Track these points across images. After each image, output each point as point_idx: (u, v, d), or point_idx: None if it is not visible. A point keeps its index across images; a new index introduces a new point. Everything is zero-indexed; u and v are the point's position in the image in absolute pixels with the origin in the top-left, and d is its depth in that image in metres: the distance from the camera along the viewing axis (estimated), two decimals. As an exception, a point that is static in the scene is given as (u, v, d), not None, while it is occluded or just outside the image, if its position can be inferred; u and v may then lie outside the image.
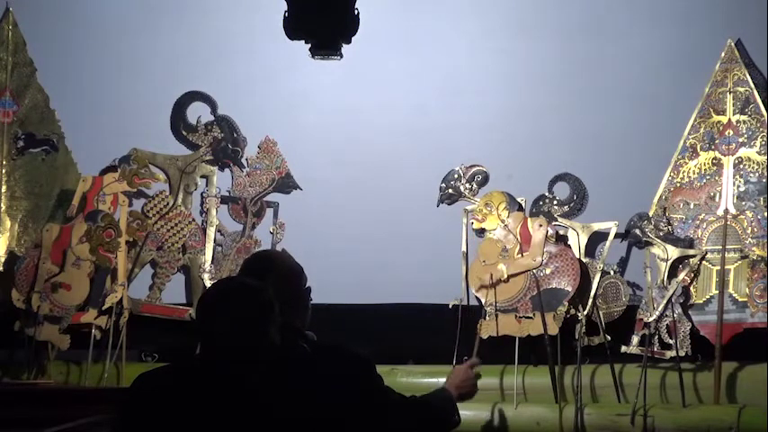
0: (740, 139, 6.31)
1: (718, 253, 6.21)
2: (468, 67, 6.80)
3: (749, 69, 6.36)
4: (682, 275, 6.18)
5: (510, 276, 6.28)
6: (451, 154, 6.60)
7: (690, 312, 6.18)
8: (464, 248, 6.45)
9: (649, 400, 5.87)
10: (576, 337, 6.12)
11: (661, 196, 6.39)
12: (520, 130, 6.70)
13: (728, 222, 6.23)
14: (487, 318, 6.28)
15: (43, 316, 6.49)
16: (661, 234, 6.24)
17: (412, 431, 3.29)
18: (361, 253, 6.67)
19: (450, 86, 6.79)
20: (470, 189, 6.53)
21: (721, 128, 6.35)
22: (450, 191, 6.56)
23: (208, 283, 6.59)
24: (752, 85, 6.32)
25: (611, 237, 6.33)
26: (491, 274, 6.28)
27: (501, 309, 6.29)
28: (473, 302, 6.38)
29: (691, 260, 6.21)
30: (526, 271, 6.27)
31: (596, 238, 6.40)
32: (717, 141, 6.34)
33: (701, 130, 6.39)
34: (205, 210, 6.86)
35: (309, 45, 5.48)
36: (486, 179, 6.55)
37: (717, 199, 6.30)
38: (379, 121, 6.80)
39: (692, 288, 6.21)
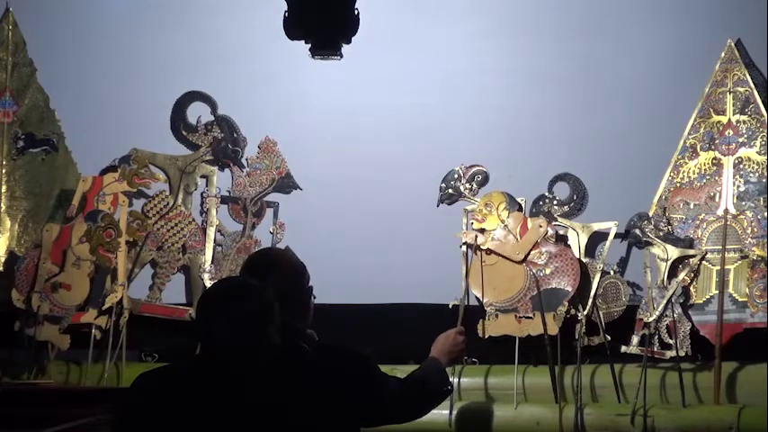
0: (740, 139, 6.30)
1: (718, 253, 6.21)
2: (468, 67, 6.80)
3: (749, 69, 6.35)
4: (682, 275, 6.18)
5: (490, 251, 6.29)
6: (451, 154, 6.60)
7: (690, 312, 6.18)
8: (464, 248, 6.45)
9: (649, 400, 5.87)
10: (576, 337, 6.12)
11: (661, 196, 6.39)
12: (520, 130, 6.70)
13: (728, 222, 6.23)
14: (487, 317, 6.29)
15: (43, 316, 6.49)
16: (661, 234, 6.23)
17: (411, 411, 3.35)
18: (361, 253, 6.67)
19: (450, 86, 6.79)
20: (470, 189, 6.53)
21: (721, 128, 6.34)
22: (451, 191, 6.56)
23: (208, 283, 6.59)
24: (752, 85, 6.32)
25: (611, 237, 6.32)
26: (476, 236, 6.31)
27: (501, 309, 6.30)
28: (473, 302, 6.38)
29: (691, 260, 6.21)
30: (506, 258, 6.28)
31: (596, 238, 6.40)
32: (717, 141, 6.34)
33: (701, 130, 6.38)
34: (205, 210, 6.85)
35: (309, 45, 5.47)
36: (486, 179, 6.55)
37: (717, 199, 6.29)
38: (379, 120, 6.79)
39: (691, 288, 6.21)
